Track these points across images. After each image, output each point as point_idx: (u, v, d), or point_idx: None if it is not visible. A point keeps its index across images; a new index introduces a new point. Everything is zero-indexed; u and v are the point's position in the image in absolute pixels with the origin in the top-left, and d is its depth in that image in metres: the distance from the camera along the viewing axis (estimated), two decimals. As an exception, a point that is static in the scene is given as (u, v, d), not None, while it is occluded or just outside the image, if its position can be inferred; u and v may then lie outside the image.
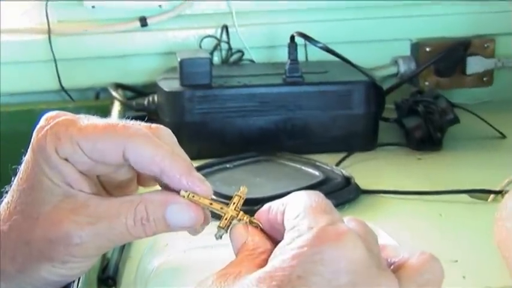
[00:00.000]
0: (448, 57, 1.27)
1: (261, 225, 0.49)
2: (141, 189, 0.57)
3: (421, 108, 1.10)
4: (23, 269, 0.52)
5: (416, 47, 1.31)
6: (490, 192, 0.89)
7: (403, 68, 1.31)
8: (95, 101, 1.32)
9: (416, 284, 0.42)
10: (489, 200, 0.89)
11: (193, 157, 0.53)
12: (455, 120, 1.10)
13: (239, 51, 1.29)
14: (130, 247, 0.77)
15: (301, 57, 1.14)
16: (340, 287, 0.40)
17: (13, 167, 0.54)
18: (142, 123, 0.53)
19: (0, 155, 1.11)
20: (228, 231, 0.50)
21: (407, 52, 1.33)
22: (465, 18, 1.32)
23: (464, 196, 0.90)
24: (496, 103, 1.31)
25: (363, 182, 0.92)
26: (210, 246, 0.66)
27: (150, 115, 1.12)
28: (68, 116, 0.52)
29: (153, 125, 0.54)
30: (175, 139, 0.54)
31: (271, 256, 0.44)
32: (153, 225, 0.51)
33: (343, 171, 0.94)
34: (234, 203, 0.51)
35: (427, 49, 1.29)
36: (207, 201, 0.51)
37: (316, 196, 0.46)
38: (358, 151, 1.07)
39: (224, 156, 1.00)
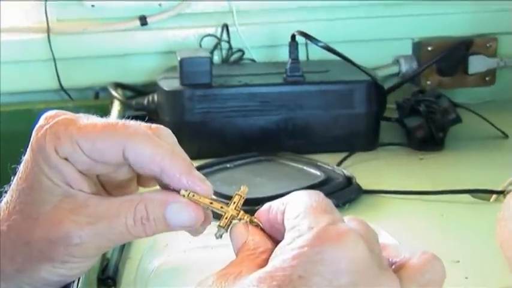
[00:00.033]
0: (450, 57, 1.27)
1: (261, 224, 0.49)
2: (141, 189, 0.57)
3: (423, 107, 1.10)
4: (23, 269, 0.52)
5: (418, 46, 1.31)
6: (492, 192, 0.89)
7: (404, 67, 1.31)
8: (95, 101, 1.32)
9: (418, 284, 0.42)
10: (491, 200, 0.89)
11: (193, 157, 0.54)
12: (457, 120, 1.10)
13: (239, 50, 1.29)
14: (130, 247, 0.77)
15: (302, 56, 1.14)
16: (341, 287, 0.40)
17: (12, 166, 0.54)
18: (143, 123, 0.54)
19: (-1, 155, 1.12)
20: (228, 230, 0.50)
21: (409, 51, 1.33)
22: (467, 17, 1.32)
23: (466, 196, 0.90)
24: (498, 103, 1.31)
25: (364, 182, 0.92)
26: (210, 246, 0.67)
27: (150, 115, 1.12)
28: (68, 115, 0.52)
29: (153, 125, 0.54)
30: (175, 139, 0.54)
31: (272, 256, 0.44)
32: (153, 224, 0.51)
33: (345, 171, 0.94)
34: (234, 203, 0.51)
35: (429, 48, 1.30)
36: (207, 201, 0.51)
37: (316, 196, 0.46)
38: (360, 151, 1.07)
39: (224, 156, 1.00)
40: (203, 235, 0.53)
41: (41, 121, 0.52)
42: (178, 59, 1.07)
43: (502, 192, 0.89)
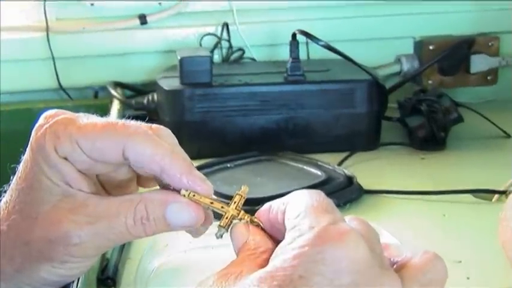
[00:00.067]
0: (451, 56, 1.27)
1: (261, 224, 0.49)
2: (141, 189, 0.57)
3: (425, 107, 1.10)
4: (22, 269, 0.52)
5: (420, 45, 1.31)
6: (494, 192, 0.90)
7: (406, 66, 1.31)
8: (94, 100, 1.32)
9: (420, 283, 0.42)
10: (493, 200, 0.89)
11: (193, 156, 0.54)
12: (459, 120, 1.10)
13: (240, 49, 1.29)
14: (130, 247, 0.77)
15: (302, 55, 1.14)
16: (343, 287, 0.40)
17: (12, 166, 0.54)
18: (143, 124, 0.54)
19: (-2, 154, 1.12)
20: (229, 230, 0.50)
21: (411, 50, 1.33)
22: (469, 16, 1.33)
23: (468, 196, 0.90)
24: (500, 102, 1.31)
25: (365, 182, 0.92)
26: (210, 246, 0.67)
27: (149, 114, 1.12)
28: (67, 114, 0.52)
29: (154, 125, 0.54)
30: (175, 140, 0.54)
31: (273, 256, 0.44)
32: (153, 224, 0.51)
33: (346, 171, 0.94)
34: (235, 202, 0.51)
35: (431, 47, 1.30)
36: (207, 201, 0.51)
37: (317, 195, 0.46)
38: (361, 150, 1.07)
39: (225, 156, 1.00)
40: (203, 235, 0.53)
41: (41, 120, 0.52)
42: (178, 58, 1.07)
43: (504, 192, 0.89)
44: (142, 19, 1.29)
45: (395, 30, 1.33)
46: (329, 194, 0.47)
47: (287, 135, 1.08)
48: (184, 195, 0.51)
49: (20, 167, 0.53)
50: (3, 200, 0.53)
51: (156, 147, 0.51)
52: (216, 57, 1.29)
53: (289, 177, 0.93)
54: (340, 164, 1.02)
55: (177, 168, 0.51)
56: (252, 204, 0.52)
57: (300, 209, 0.45)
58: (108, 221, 0.51)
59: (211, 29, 1.30)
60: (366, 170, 1.01)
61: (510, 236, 0.69)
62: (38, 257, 0.51)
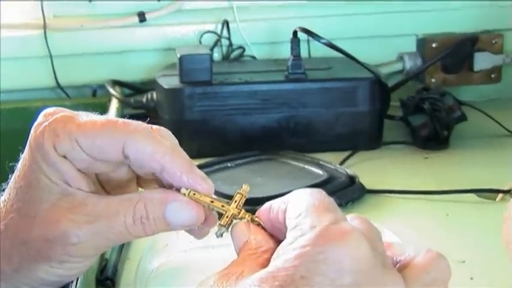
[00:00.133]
0: (455, 53, 1.27)
1: (262, 223, 0.49)
2: (141, 190, 0.57)
3: (427, 105, 1.10)
4: (20, 269, 0.52)
5: (423, 43, 1.31)
6: (498, 191, 0.90)
7: (408, 64, 1.31)
8: (92, 99, 1.32)
9: (423, 283, 0.42)
10: (497, 199, 0.89)
11: (193, 156, 0.54)
12: (463, 118, 1.11)
13: (240, 47, 1.29)
14: (130, 247, 0.78)
15: (304, 53, 1.14)
16: (344, 287, 0.40)
17: (10, 164, 0.54)
18: (143, 123, 0.54)
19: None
20: (229, 229, 0.50)
21: (413, 48, 1.33)
22: (472, 13, 1.33)
23: (472, 195, 0.90)
24: (504, 100, 1.31)
25: (367, 181, 0.93)
26: (211, 246, 0.67)
27: (148, 113, 1.12)
28: (66, 112, 0.52)
29: (155, 127, 0.54)
30: (176, 141, 0.54)
31: (274, 255, 0.44)
32: (152, 223, 0.51)
33: (348, 170, 0.95)
34: (235, 201, 0.51)
35: (434, 45, 1.30)
36: (208, 199, 0.51)
37: (318, 194, 0.46)
38: (363, 149, 1.07)
39: (225, 155, 1.00)
40: (204, 234, 0.54)
41: (40, 118, 0.52)
42: (178, 56, 1.07)
43: (508, 192, 0.89)
44: (141, 16, 1.29)
45: (398, 28, 1.33)
46: (331, 194, 0.47)
47: (288, 134, 1.08)
48: (184, 194, 0.51)
49: (19, 165, 0.53)
50: (2, 198, 0.53)
51: (157, 145, 0.51)
52: (216, 55, 1.29)
53: (291, 177, 0.94)
54: (342, 163, 1.02)
55: (177, 167, 0.51)
56: (252, 204, 0.52)
57: (301, 208, 0.45)
58: (107, 220, 0.51)
59: (211, 27, 1.30)
60: (368, 169, 1.01)
61: (514, 235, 0.69)
62: (36, 256, 0.51)
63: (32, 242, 0.51)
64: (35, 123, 0.52)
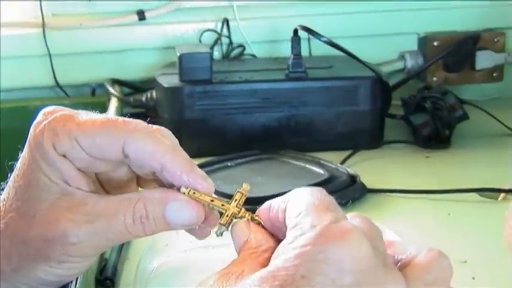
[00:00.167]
0: (456, 52, 1.27)
1: (262, 222, 0.49)
2: (141, 190, 0.57)
3: (429, 104, 1.10)
4: (19, 269, 0.52)
5: (424, 41, 1.31)
6: (500, 190, 0.90)
7: (410, 63, 1.31)
8: (91, 98, 1.33)
9: (424, 282, 0.42)
10: (499, 198, 0.90)
11: (193, 155, 0.54)
12: (464, 117, 1.11)
13: (240, 45, 1.30)
14: (129, 247, 0.78)
15: (304, 51, 1.14)
16: (345, 287, 0.40)
17: (9, 163, 0.54)
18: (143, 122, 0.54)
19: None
20: (229, 228, 0.50)
21: (415, 46, 1.33)
22: (474, 12, 1.33)
23: (474, 195, 0.90)
24: (506, 99, 1.31)
25: (368, 181, 0.93)
26: (211, 246, 0.67)
27: (148, 112, 1.13)
28: (66, 111, 0.52)
29: (155, 126, 0.54)
30: (176, 141, 0.54)
31: (274, 255, 0.44)
32: (152, 223, 0.51)
33: (349, 170, 0.95)
34: (235, 200, 0.51)
35: (435, 43, 1.30)
36: (208, 198, 0.51)
37: (318, 193, 0.46)
38: (364, 149, 1.07)
39: (225, 154, 1.01)
40: (203, 234, 0.54)
41: (39, 117, 0.52)
42: (178, 54, 1.07)
43: (510, 191, 0.89)
44: (141, 15, 1.29)
45: (399, 26, 1.33)
46: (332, 193, 0.47)
47: (289, 133, 1.08)
48: (184, 193, 0.51)
49: (18, 165, 0.53)
50: (1, 197, 0.53)
51: (157, 144, 0.51)
52: (216, 53, 1.29)
53: (291, 176, 0.94)
54: (343, 162, 1.02)
55: (177, 166, 0.51)
56: (253, 204, 0.52)
57: (301, 207, 0.45)
58: (106, 220, 0.51)
59: (211, 25, 1.30)
60: (370, 168, 1.01)
61: (516, 235, 0.69)
62: (35, 256, 0.51)
63: (31, 242, 0.51)
64: (35, 122, 0.52)
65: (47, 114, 0.52)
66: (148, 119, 0.56)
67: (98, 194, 0.53)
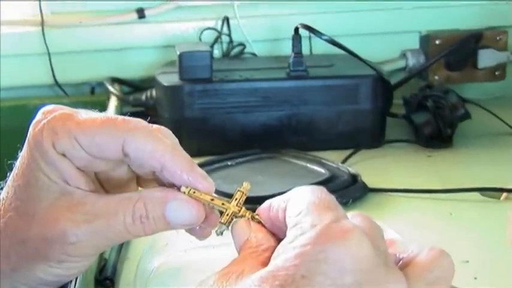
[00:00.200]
0: (458, 50, 1.27)
1: (263, 221, 0.49)
2: (141, 189, 0.57)
3: (431, 103, 1.10)
4: (18, 268, 0.52)
5: (426, 40, 1.31)
6: (502, 190, 0.90)
7: (411, 61, 1.31)
8: (91, 96, 1.33)
9: (426, 281, 0.42)
10: (501, 198, 0.90)
11: (193, 154, 0.54)
12: (466, 116, 1.11)
13: (241, 44, 1.30)
14: (129, 247, 0.78)
15: (305, 50, 1.14)
16: (346, 287, 0.40)
17: (8, 162, 0.54)
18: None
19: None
20: (230, 227, 0.50)
21: (416, 45, 1.33)
22: (476, 10, 1.33)
23: (476, 194, 0.90)
24: (508, 98, 1.31)
25: (370, 180, 0.93)
26: (211, 245, 0.67)
27: (148, 111, 1.13)
28: (66, 110, 0.52)
29: (155, 126, 0.54)
30: (176, 140, 0.54)
31: (274, 254, 0.44)
32: (152, 223, 0.51)
33: (350, 169, 0.95)
34: (236, 199, 0.51)
35: (437, 42, 1.30)
36: (208, 197, 0.51)
37: (319, 192, 0.46)
38: (365, 148, 1.07)
39: (225, 154, 1.01)
40: (204, 234, 0.54)
41: (39, 116, 0.52)
42: (178, 53, 1.07)
43: (512, 190, 0.90)
44: (141, 13, 1.29)
45: (401, 24, 1.33)
46: (333, 192, 0.47)
47: (289, 132, 1.08)
48: (184, 192, 0.51)
49: (17, 164, 0.53)
50: (0, 197, 0.53)
51: (157, 143, 0.51)
52: (216, 52, 1.29)
53: (292, 176, 0.94)
54: (344, 161, 1.02)
55: (178, 165, 0.51)
56: (253, 203, 0.52)
57: (301, 207, 0.45)
58: (106, 219, 0.51)
59: (211, 23, 1.30)
60: (371, 167, 1.01)
61: (518, 235, 0.69)
62: (34, 255, 0.51)
63: (30, 241, 0.51)
64: (34, 121, 0.52)
65: (47, 113, 0.52)
66: (149, 118, 0.56)
67: (97, 193, 0.53)
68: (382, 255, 0.42)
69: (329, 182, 0.90)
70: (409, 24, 1.33)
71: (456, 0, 1.33)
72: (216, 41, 1.29)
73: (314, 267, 0.41)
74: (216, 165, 0.97)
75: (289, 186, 0.56)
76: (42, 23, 1.27)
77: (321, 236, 0.42)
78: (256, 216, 0.50)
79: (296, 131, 1.08)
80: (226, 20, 1.29)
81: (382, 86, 1.09)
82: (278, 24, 1.30)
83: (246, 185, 0.52)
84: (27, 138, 0.52)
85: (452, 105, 1.10)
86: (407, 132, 1.14)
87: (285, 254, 0.42)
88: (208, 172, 0.53)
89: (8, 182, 0.53)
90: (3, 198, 0.53)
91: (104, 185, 0.55)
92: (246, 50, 1.30)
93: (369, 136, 1.09)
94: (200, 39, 1.28)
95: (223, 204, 0.51)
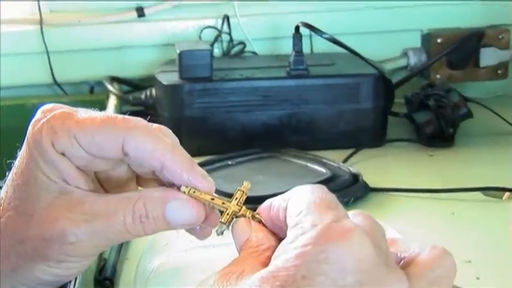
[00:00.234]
0: (460, 49, 1.27)
1: (263, 220, 0.49)
2: (141, 189, 0.57)
3: (432, 102, 1.10)
4: (17, 268, 0.52)
5: (428, 38, 1.31)
6: (504, 190, 0.90)
7: (413, 60, 1.31)
8: (90, 96, 1.33)
9: (427, 281, 0.42)
10: (504, 198, 0.90)
11: (193, 154, 0.54)
12: (468, 115, 1.11)
13: (241, 42, 1.30)
14: (129, 247, 0.78)
15: (306, 49, 1.14)
16: (347, 287, 0.40)
17: (8, 161, 0.54)
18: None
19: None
20: (230, 227, 0.50)
21: (418, 43, 1.33)
22: (479, 8, 1.33)
23: (478, 194, 0.90)
24: (510, 97, 1.31)
25: (371, 179, 0.93)
26: (211, 245, 0.67)
27: (147, 110, 1.13)
28: (65, 108, 0.52)
29: (155, 125, 0.54)
30: (176, 139, 0.54)
31: (275, 254, 0.44)
32: (152, 222, 0.51)
33: (351, 168, 0.95)
34: (236, 198, 0.51)
35: (439, 40, 1.30)
36: (208, 197, 0.51)
37: (320, 191, 0.46)
38: (367, 147, 1.08)
39: (226, 153, 1.01)
40: (204, 234, 0.54)
41: (38, 115, 0.52)
42: (177, 51, 1.07)
43: (514, 190, 0.90)
44: (140, 11, 1.29)
45: (402, 23, 1.33)
46: (334, 192, 0.47)
47: (290, 131, 1.08)
48: (184, 192, 0.51)
49: (16, 163, 0.53)
50: (-1, 196, 0.54)
51: (157, 142, 0.51)
52: (216, 50, 1.29)
53: (293, 175, 0.94)
54: (345, 161, 1.02)
55: (178, 164, 0.51)
56: (254, 203, 0.52)
57: (302, 206, 0.45)
58: (105, 219, 0.51)
59: (211, 22, 1.30)
60: (372, 167, 1.01)
61: (521, 234, 0.69)
62: (33, 255, 0.51)
63: (29, 241, 0.51)
64: (33, 120, 0.52)
65: (46, 112, 0.52)
66: (148, 117, 0.56)
67: (97, 193, 0.53)
68: (383, 255, 0.42)
69: (330, 182, 0.90)
70: (411, 23, 1.33)
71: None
72: (216, 39, 1.29)
73: (315, 268, 0.41)
74: (217, 164, 0.97)
75: (289, 185, 0.56)
76: (41, 22, 1.27)
77: (322, 236, 0.42)
78: (257, 216, 0.50)
79: (297, 130, 1.08)
80: (226, 18, 1.29)
81: (384, 84, 1.09)
82: (278, 23, 1.30)
83: (246, 185, 0.52)
84: (26, 137, 0.52)
85: (454, 104, 1.10)
86: (408, 131, 1.14)
87: (285, 254, 0.42)
88: (208, 171, 0.53)
89: (7, 181, 0.53)
90: (3, 198, 0.53)
91: (103, 184, 0.55)
92: (246, 49, 1.30)
93: (370, 135, 1.10)
94: (200, 38, 1.28)
95: (223, 203, 0.51)
